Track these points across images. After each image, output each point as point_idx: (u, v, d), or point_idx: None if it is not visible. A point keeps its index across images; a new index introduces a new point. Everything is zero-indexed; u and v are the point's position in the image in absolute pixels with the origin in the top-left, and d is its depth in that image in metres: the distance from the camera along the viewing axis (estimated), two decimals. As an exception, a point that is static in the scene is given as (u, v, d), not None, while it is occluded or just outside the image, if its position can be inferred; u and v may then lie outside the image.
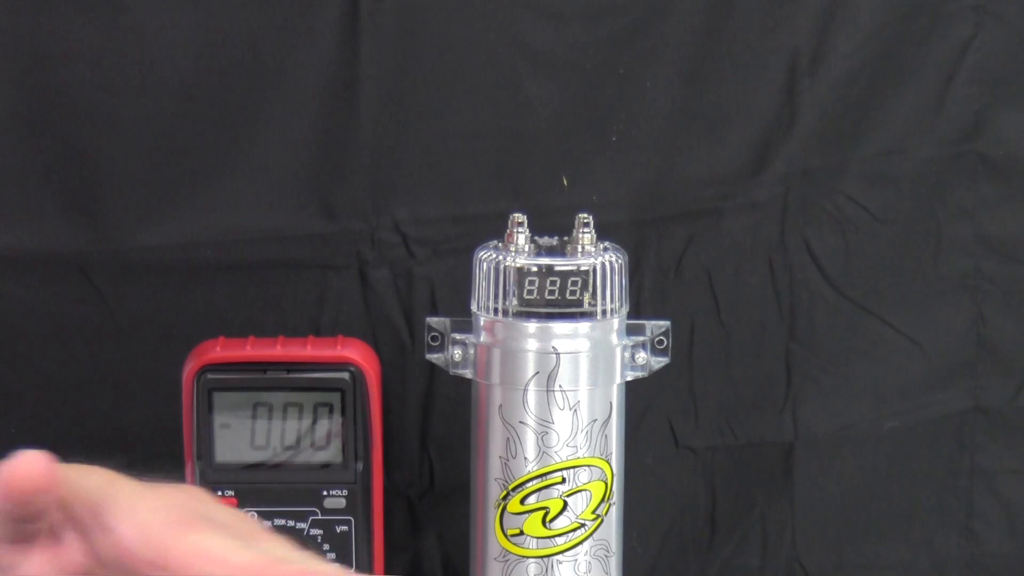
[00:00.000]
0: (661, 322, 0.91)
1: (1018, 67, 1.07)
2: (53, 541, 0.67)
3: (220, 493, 0.90)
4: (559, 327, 0.87)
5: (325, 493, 0.91)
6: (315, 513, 0.90)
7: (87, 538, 0.67)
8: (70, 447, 1.00)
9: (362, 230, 1.01)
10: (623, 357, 0.89)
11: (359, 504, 0.91)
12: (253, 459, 0.91)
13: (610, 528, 0.90)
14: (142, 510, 0.66)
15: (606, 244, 0.89)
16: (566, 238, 0.89)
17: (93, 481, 0.68)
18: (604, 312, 0.88)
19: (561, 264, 0.87)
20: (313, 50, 0.97)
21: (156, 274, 0.99)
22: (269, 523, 0.90)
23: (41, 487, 0.64)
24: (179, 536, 0.65)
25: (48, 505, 0.65)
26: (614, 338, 0.88)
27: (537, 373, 0.87)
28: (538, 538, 0.88)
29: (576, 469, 0.87)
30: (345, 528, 0.91)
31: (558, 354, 0.86)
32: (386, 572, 0.94)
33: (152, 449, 0.99)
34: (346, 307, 1.02)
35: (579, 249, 0.88)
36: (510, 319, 0.87)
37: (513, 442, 0.87)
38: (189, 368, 0.90)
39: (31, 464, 0.63)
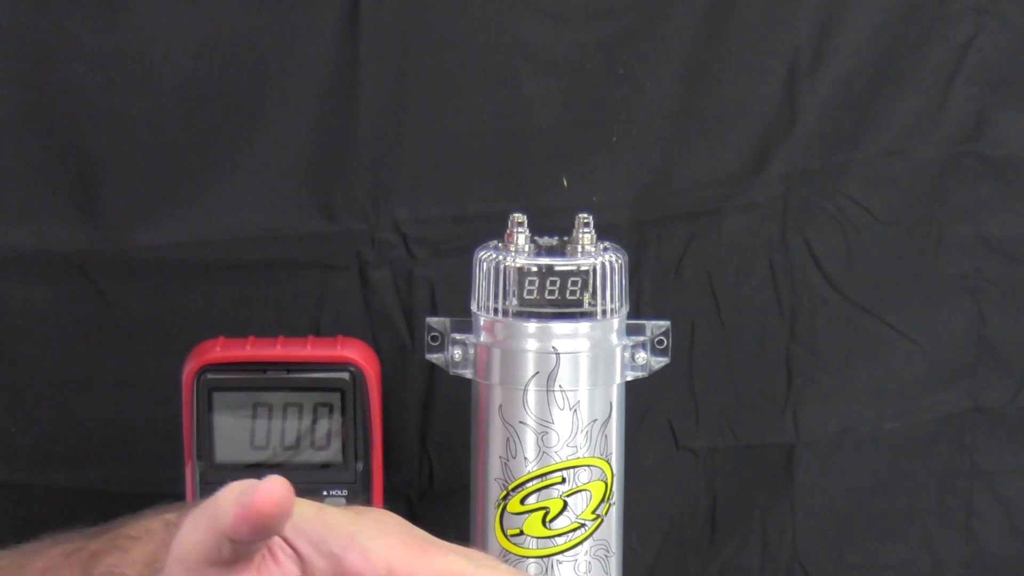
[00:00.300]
0: (661, 322, 0.91)
1: (1018, 67, 1.07)
2: (268, 564, 0.67)
3: (220, 493, 0.90)
4: (559, 327, 0.87)
5: (325, 493, 0.91)
6: (315, 513, 0.90)
7: (304, 564, 0.67)
8: (70, 447, 1.00)
9: (362, 230, 1.01)
10: (623, 357, 0.89)
11: (359, 504, 0.91)
12: (253, 459, 0.91)
13: (610, 528, 0.90)
14: (363, 535, 0.67)
15: (606, 244, 0.89)
16: (566, 238, 0.89)
17: (304, 510, 0.67)
18: (604, 312, 0.87)
19: (561, 264, 0.87)
20: (313, 50, 0.97)
21: (156, 274, 0.99)
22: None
23: (282, 512, 0.63)
24: (422, 560, 0.66)
25: (278, 530, 0.65)
26: (614, 338, 0.88)
27: (537, 373, 0.86)
28: (538, 538, 0.88)
29: (576, 469, 0.87)
30: (345, 528, 0.91)
31: (558, 354, 0.86)
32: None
33: (152, 449, 0.99)
34: (346, 307, 1.01)
35: (579, 249, 0.88)
36: (510, 319, 0.87)
37: (513, 442, 0.87)
38: (189, 368, 0.90)
39: (276, 489, 0.62)
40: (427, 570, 0.66)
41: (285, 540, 0.67)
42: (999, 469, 1.11)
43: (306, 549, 0.67)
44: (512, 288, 0.87)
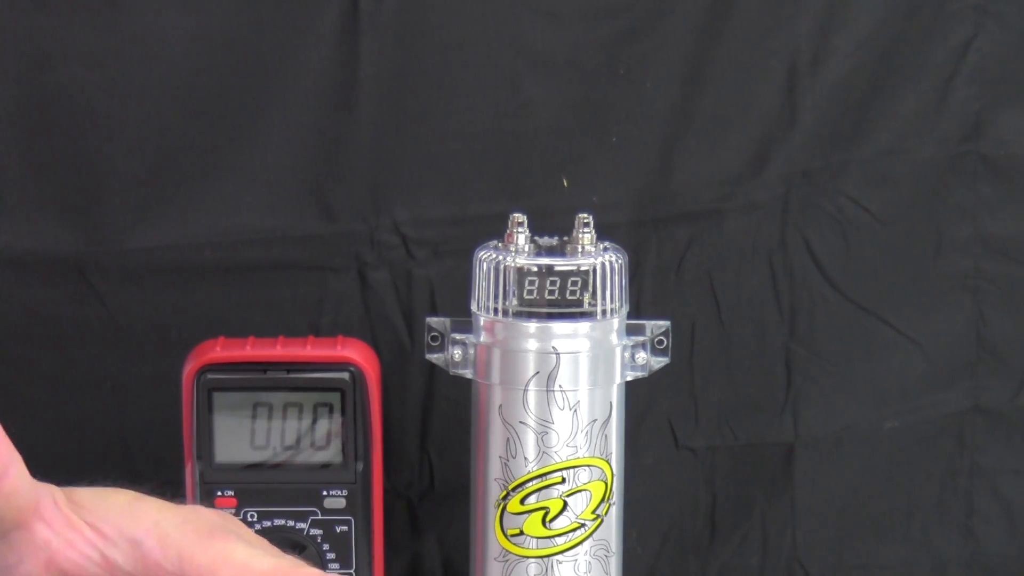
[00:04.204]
0: (661, 322, 0.91)
1: (1018, 67, 1.07)
2: (67, 546, 0.69)
3: (220, 493, 0.90)
4: (559, 327, 0.87)
5: (325, 493, 0.91)
6: (315, 513, 0.90)
7: (105, 548, 0.69)
8: (70, 448, 1.00)
9: (361, 231, 1.01)
10: (623, 357, 0.89)
11: (359, 504, 0.91)
12: (253, 459, 0.91)
13: (610, 528, 0.90)
14: (166, 524, 0.69)
15: (606, 244, 0.89)
16: (566, 238, 0.89)
17: (117, 499, 0.70)
18: (604, 312, 0.88)
19: (561, 264, 0.87)
20: (313, 50, 0.97)
21: (155, 275, 0.99)
22: (269, 523, 0.90)
23: None
24: (203, 545, 0.69)
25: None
26: (614, 338, 0.88)
27: (537, 373, 0.86)
28: (538, 538, 0.88)
29: (576, 469, 0.87)
30: (345, 528, 0.91)
31: (558, 354, 0.86)
32: (386, 573, 0.94)
33: (152, 449, 0.99)
34: (345, 308, 1.01)
35: (579, 249, 0.88)
36: (510, 319, 0.87)
37: (513, 442, 0.87)
38: (189, 368, 0.90)
39: None
40: (205, 553, 0.69)
41: (90, 524, 0.69)
42: (999, 469, 1.11)
43: (111, 533, 0.70)
44: (512, 288, 0.87)
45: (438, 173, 1.01)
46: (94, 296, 0.98)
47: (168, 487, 0.94)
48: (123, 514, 0.70)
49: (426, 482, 1.04)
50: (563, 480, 0.87)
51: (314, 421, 0.91)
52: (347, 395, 0.90)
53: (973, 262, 1.09)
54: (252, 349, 0.91)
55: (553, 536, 0.88)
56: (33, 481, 0.69)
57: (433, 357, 0.91)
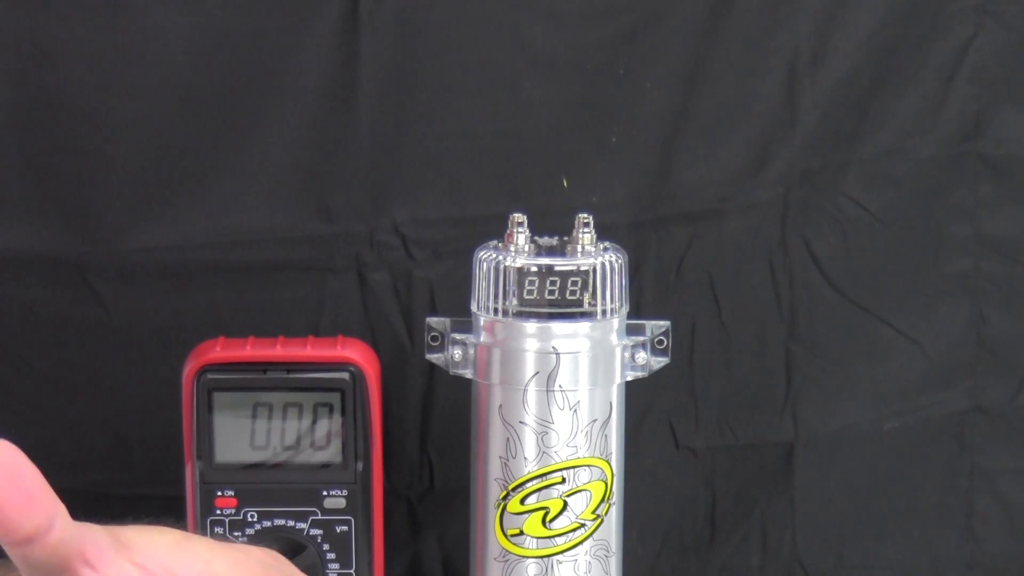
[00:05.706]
0: (661, 322, 0.91)
1: (1018, 67, 1.07)
2: None
3: (220, 493, 0.90)
4: (559, 327, 0.87)
5: (325, 493, 0.90)
6: (315, 513, 0.90)
7: None
8: (70, 448, 1.00)
9: (361, 232, 1.01)
10: (623, 357, 0.89)
11: (359, 504, 0.91)
12: (253, 459, 0.91)
13: (610, 528, 0.90)
14: (217, 565, 0.66)
15: (606, 244, 0.89)
16: (566, 238, 0.89)
17: (165, 539, 0.67)
18: (604, 312, 0.88)
19: (561, 264, 0.87)
20: (313, 50, 0.97)
21: (154, 276, 0.99)
22: (269, 523, 0.90)
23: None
24: None
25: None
26: (614, 338, 0.88)
27: (537, 373, 0.87)
28: (538, 538, 0.88)
29: (576, 469, 0.87)
30: (345, 528, 0.91)
31: (558, 354, 0.86)
32: (386, 573, 0.94)
33: (152, 449, 0.99)
34: (345, 310, 1.01)
35: (579, 249, 0.88)
36: (510, 319, 0.87)
37: (513, 442, 0.87)
38: (189, 368, 0.90)
39: None
40: None
41: (138, 566, 0.64)
42: (999, 469, 1.11)
43: (160, 574, 0.64)
44: (512, 288, 0.87)
45: (438, 173, 1.01)
46: (93, 296, 0.98)
47: (168, 486, 0.95)
48: (172, 555, 0.65)
49: (426, 482, 1.04)
50: (563, 480, 0.87)
51: (314, 421, 0.91)
52: (347, 395, 0.90)
53: (973, 262, 1.09)
54: (252, 349, 0.91)
55: (553, 536, 0.88)
56: (77, 525, 0.65)
57: (433, 357, 0.91)
